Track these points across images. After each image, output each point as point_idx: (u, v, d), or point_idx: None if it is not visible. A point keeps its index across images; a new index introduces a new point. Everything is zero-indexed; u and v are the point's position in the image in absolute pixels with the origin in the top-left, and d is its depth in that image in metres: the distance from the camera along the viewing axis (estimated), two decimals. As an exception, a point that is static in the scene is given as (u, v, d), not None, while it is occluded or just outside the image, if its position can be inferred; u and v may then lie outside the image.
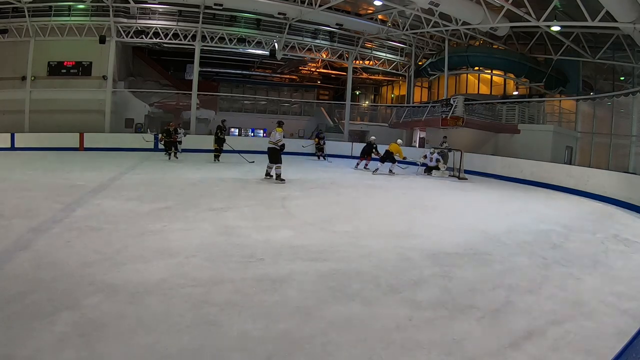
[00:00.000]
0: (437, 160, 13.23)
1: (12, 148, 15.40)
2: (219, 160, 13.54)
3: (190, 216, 5.61)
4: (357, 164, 14.29)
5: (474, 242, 5.00)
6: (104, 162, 12.16)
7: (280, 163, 9.49)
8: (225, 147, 13.74)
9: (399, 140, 14.15)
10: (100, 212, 5.57)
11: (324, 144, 17.96)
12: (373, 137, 14.79)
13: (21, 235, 4.36)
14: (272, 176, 9.65)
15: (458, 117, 15.93)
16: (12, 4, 16.01)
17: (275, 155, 9.45)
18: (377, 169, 12.85)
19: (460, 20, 15.79)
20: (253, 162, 13.17)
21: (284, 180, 9.34)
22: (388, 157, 12.88)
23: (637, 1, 10.49)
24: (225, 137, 14.14)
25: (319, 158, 17.38)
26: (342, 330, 2.66)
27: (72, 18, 17.38)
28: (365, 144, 14.98)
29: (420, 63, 22.76)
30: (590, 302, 3.32)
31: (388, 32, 19.31)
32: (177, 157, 14.46)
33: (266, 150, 9.66)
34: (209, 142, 18.50)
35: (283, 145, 9.61)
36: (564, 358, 2.48)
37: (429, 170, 13.25)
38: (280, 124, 9.88)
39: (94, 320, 2.60)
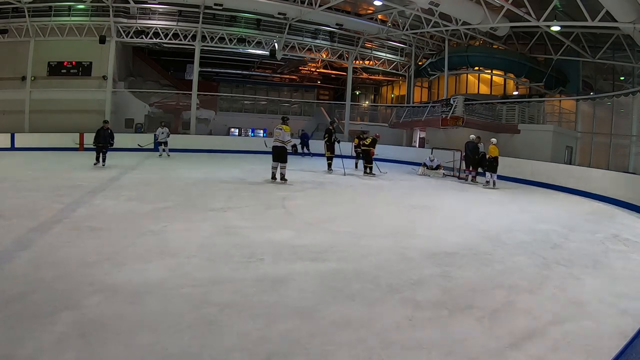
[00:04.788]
0: (438, 166, 13.26)
1: (12, 148, 15.41)
2: (331, 170, 11.99)
3: (190, 216, 5.61)
4: (467, 176, 11.79)
5: (474, 242, 5.00)
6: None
7: (286, 162, 9.29)
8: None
9: (493, 139, 11.23)
10: (100, 212, 5.57)
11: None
12: (473, 136, 11.59)
13: (21, 235, 4.36)
14: (276, 178, 9.27)
15: (458, 117, 15.93)
16: (12, 4, 16.02)
17: (282, 154, 9.12)
18: (488, 182, 10.78)
19: (460, 20, 15.80)
20: (386, 172, 11.60)
21: (286, 180, 9.27)
22: (487, 164, 10.75)
23: (637, 1, 10.49)
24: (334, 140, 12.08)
25: (356, 167, 13.31)
26: (342, 330, 2.66)
27: (72, 18, 17.39)
28: (467, 146, 11.38)
29: (420, 63, 22.77)
30: (591, 302, 3.32)
31: (388, 32, 19.32)
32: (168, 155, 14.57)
33: (270, 150, 9.29)
34: (202, 141, 18.55)
35: (295, 146, 9.29)
36: (564, 358, 2.48)
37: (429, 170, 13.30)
38: (284, 120, 9.42)
39: (94, 320, 2.60)
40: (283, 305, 2.97)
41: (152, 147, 15.87)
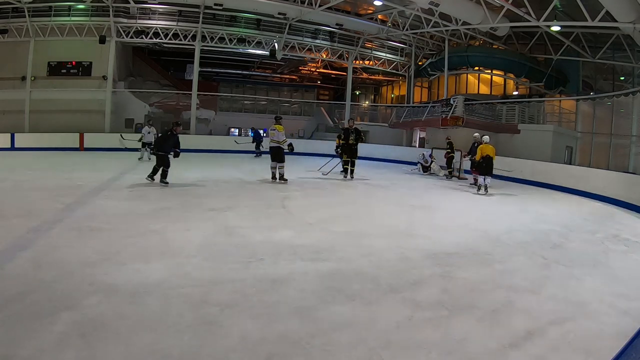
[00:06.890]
0: (432, 163, 13.31)
1: (12, 148, 15.40)
2: (352, 177, 10.63)
3: (190, 216, 5.61)
4: (476, 180, 10.20)
5: (474, 242, 5.00)
6: (104, 162, 12.15)
7: (284, 162, 9.31)
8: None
9: (485, 137, 10.05)
10: (100, 212, 5.57)
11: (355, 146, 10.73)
12: (477, 134, 10.80)
13: (21, 235, 4.36)
14: (276, 178, 9.31)
15: (458, 117, 15.92)
16: (12, 4, 16.01)
17: (280, 154, 9.20)
18: (480, 186, 9.47)
19: (460, 20, 15.80)
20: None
21: (286, 180, 9.28)
22: (485, 166, 9.37)
23: (637, 1, 10.49)
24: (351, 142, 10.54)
25: (346, 172, 10.77)
26: (342, 330, 2.66)
27: (72, 18, 17.39)
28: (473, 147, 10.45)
29: (420, 63, 22.78)
30: (591, 302, 3.32)
31: (388, 32, 19.33)
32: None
33: (268, 150, 9.42)
34: (202, 141, 18.48)
35: (291, 145, 9.27)
36: (564, 358, 2.48)
37: (424, 169, 13.33)
38: (277, 120, 9.43)
39: (94, 320, 2.60)
40: (283, 305, 2.97)
41: (136, 146, 14.00)
